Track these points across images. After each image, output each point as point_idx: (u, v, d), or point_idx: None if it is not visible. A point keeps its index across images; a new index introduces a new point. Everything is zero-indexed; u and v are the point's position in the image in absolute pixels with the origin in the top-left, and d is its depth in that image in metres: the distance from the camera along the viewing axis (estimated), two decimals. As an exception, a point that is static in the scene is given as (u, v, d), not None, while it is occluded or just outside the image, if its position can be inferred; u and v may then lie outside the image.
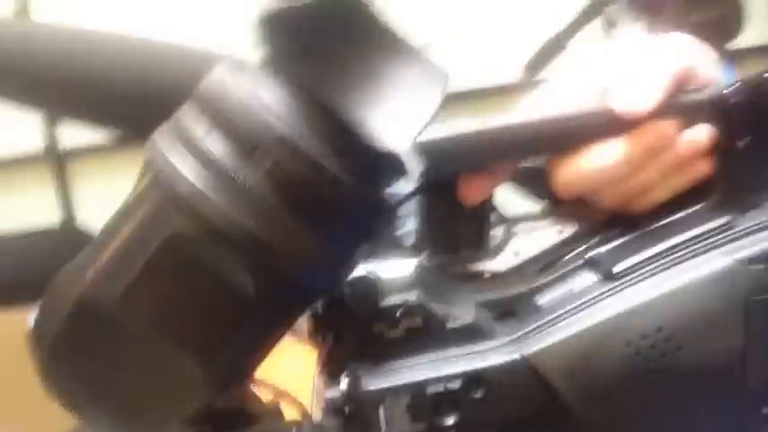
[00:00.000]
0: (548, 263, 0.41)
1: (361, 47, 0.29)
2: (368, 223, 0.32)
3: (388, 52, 0.30)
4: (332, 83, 0.29)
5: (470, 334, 0.37)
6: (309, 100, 0.29)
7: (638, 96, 0.38)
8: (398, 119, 0.30)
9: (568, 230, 0.42)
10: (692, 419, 0.37)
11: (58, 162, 2.51)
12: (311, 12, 0.29)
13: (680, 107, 0.38)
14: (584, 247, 0.40)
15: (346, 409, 0.36)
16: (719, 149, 0.38)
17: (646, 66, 0.39)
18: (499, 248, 0.43)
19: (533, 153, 0.40)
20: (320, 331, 0.39)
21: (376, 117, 0.29)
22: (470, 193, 0.40)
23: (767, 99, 0.38)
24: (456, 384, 0.36)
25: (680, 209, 0.39)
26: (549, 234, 0.43)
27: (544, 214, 0.43)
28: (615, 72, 0.40)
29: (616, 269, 0.37)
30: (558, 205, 0.42)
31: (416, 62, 0.30)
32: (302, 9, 0.28)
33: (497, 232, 0.42)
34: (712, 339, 0.36)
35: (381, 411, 0.36)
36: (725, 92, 0.38)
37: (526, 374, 0.36)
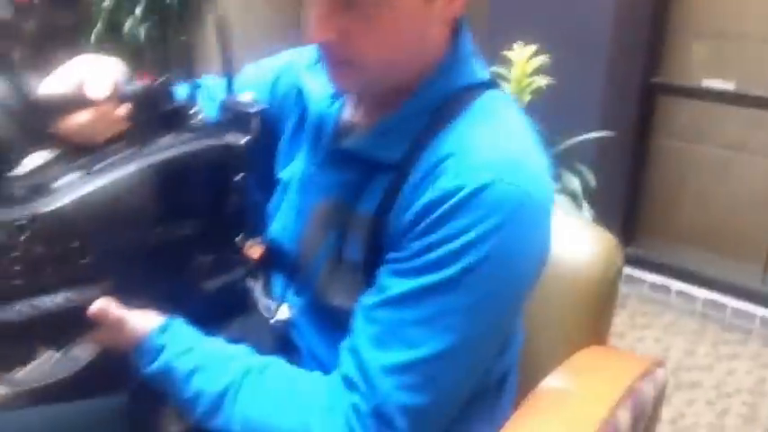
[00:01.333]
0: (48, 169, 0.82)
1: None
2: None
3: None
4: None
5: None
6: None
7: (97, 91, 0.83)
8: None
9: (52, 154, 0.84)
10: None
11: None
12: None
13: (113, 96, 0.84)
14: (71, 161, 0.83)
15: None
16: (130, 118, 0.86)
17: (96, 75, 0.84)
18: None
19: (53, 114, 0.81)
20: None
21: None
22: None
23: (153, 97, 0.86)
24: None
25: (114, 143, 0.85)
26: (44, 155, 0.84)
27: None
28: (85, 74, 0.83)
29: (91, 169, 0.81)
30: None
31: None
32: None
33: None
34: (130, 206, 0.82)
35: None
36: (128, 91, 0.86)
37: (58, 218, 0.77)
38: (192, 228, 0.88)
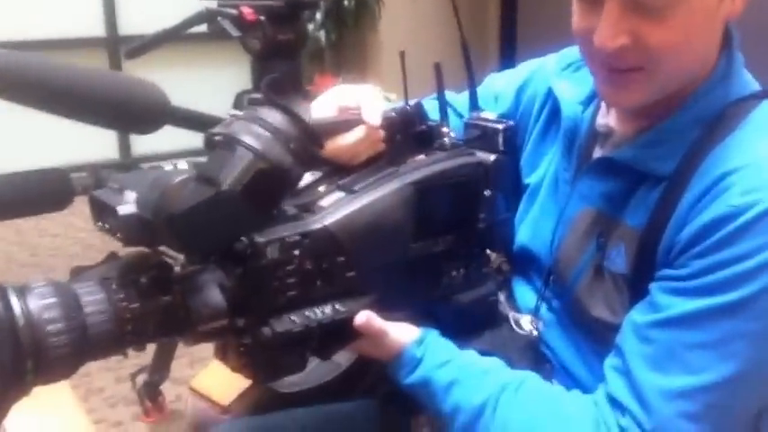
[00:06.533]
0: (315, 188, 0.87)
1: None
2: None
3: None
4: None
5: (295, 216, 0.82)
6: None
7: (373, 117, 0.87)
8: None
9: (317, 175, 0.89)
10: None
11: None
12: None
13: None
14: (335, 180, 0.87)
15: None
16: (388, 139, 0.90)
17: (368, 101, 0.88)
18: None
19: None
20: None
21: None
22: None
23: (408, 118, 0.90)
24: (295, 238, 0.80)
25: (374, 163, 0.89)
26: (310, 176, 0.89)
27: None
28: (356, 101, 0.88)
29: (355, 188, 0.85)
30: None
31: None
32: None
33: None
34: (391, 223, 0.86)
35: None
36: (388, 114, 0.89)
37: (326, 235, 0.82)
38: (446, 243, 0.91)
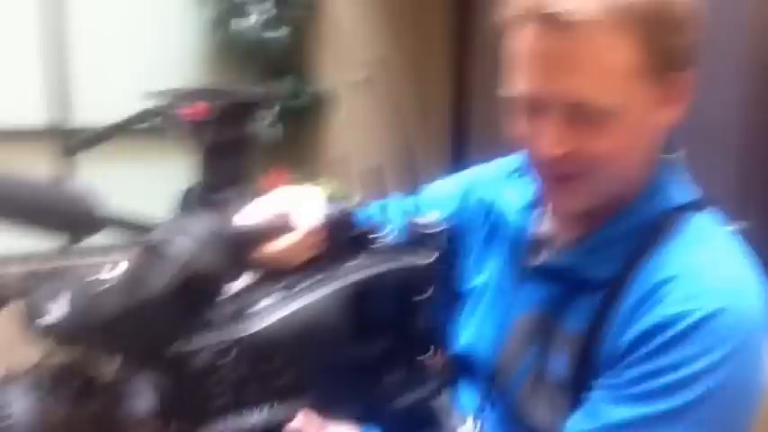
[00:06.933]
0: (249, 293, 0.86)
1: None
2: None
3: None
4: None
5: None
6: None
7: (308, 223, 0.87)
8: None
9: (253, 278, 0.88)
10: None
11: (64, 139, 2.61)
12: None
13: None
14: (270, 284, 0.86)
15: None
16: (324, 243, 0.89)
17: (306, 206, 0.88)
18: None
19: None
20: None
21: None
22: None
23: (344, 222, 0.90)
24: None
25: (309, 266, 0.89)
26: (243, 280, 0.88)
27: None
28: (289, 206, 0.88)
29: (289, 292, 0.84)
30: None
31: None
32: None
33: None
34: (325, 327, 0.85)
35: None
36: (324, 219, 0.89)
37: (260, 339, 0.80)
38: (384, 345, 0.90)
